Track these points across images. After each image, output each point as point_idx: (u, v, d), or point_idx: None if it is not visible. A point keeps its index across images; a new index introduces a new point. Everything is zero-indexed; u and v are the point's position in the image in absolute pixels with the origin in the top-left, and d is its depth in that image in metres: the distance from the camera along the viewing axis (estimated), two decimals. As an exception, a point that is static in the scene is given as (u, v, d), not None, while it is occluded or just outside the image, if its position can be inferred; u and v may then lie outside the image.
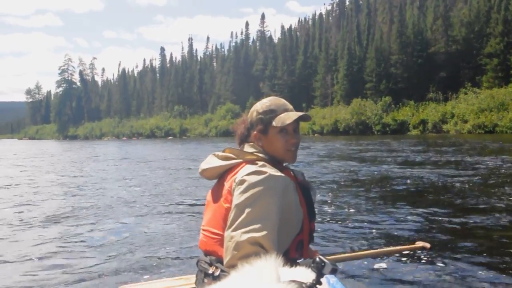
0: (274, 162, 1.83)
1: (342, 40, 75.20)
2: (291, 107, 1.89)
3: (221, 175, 1.89)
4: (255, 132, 1.87)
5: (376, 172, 11.88)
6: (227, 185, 1.77)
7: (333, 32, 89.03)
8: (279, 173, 1.72)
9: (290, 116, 1.81)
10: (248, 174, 1.68)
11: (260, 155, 1.84)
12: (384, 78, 64.13)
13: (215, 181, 1.95)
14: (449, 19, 62.21)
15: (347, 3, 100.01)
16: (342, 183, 10.11)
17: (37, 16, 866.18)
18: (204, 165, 1.93)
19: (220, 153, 1.91)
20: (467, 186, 8.84)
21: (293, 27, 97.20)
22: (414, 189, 8.83)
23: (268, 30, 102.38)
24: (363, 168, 13.07)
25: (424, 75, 61.00)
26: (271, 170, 1.71)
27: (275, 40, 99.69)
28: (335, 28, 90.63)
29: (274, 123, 1.81)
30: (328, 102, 75.24)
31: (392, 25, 68.68)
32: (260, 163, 1.76)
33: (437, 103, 56.77)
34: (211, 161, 1.91)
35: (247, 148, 1.89)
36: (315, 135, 67.27)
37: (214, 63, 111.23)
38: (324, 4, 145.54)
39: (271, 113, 1.83)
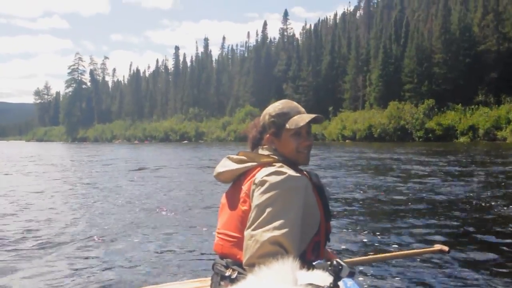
0: (290, 164, 1.82)
1: (376, 38, 69.19)
2: (303, 109, 1.88)
3: (237, 178, 1.87)
4: (268, 135, 1.87)
5: (406, 180, 11.53)
6: (244, 188, 1.75)
7: (362, 30, 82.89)
8: (298, 174, 1.73)
9: (303, 118, 1.80)
10: (268, 175, 1.68)
11: (276, 157, 1.83)
12: (426, 79, 58.09)
13: (228, 185, 1.94)
14: (500, 15, 55.94)
15: (376, 0, 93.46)
16: (364, 187, 10.14)
17: (44, 18, 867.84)
18: (220, 168, 1.91)
19: (235, 156, 1.89)
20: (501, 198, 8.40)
21: (318, 27, 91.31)
22: (439, 196, 8.71)
23: (292, 28, 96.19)
24: (392, 176, 12.63)
25: (472, 76, 54.81)
26: (290, 171, 1.71)
27: (296, 41, 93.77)
28: (363, 27, 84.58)
29: (287, 126, 1.81)
30: (358, 106, 69.51)
31: (432, 22, 62.50)
32: (278, 164, 1.76)
33: (488, 107, 50.73)
34: (227, 164, 1.89)
35: (261, 151, 1.87)
36: (346, 141, 61.50)
37: (230, 65, 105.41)
38: (349, 2, 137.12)
39: (284, 115, 1.83)
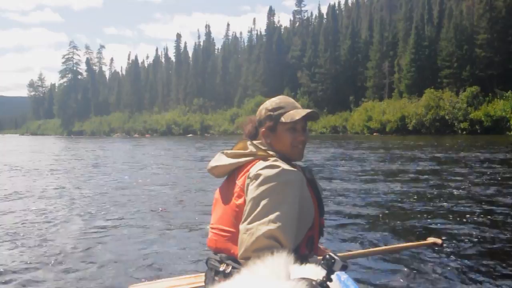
0: (284, 159, 1.81)
1: (405, 19, 61.84)
2: (300, 106, 1.88)
3: (231, 173, 1.87)
4: (263, 129, 1.87)
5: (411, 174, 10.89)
6: (239, 182, 1.75)
7: (385, 13, 75.46)
8: (292, 168, 1.73)
9: (299, 113, 1.81)
10: (262, 169, 1.68)
11: (270, 152, 1.82)
12: (467, 63, 50.96)
13: (222, 180, 1.94)
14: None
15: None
16: (360, 180, 9.84)
17: (36, 12, 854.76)
18: (213, 162, 1.91)
19: (229, 151, 1.89)
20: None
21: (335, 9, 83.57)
22: (432, 187, 8.52)
23: (306, 10, 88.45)
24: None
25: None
26: (284, 165, 1.70)
27: (311, 25, 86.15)
28: (387, 9, 77.15)
29: (283, 119, 1.81)
30: (384, 94, 62.38)
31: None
32: (273, 158, 1.76)
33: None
34: (221, 159, 1.89)
35: (256, 145, 1.85)
36: (374, 134, 54.42)
37: (237, 53, 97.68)
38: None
39: (281, 110, 1.83)
